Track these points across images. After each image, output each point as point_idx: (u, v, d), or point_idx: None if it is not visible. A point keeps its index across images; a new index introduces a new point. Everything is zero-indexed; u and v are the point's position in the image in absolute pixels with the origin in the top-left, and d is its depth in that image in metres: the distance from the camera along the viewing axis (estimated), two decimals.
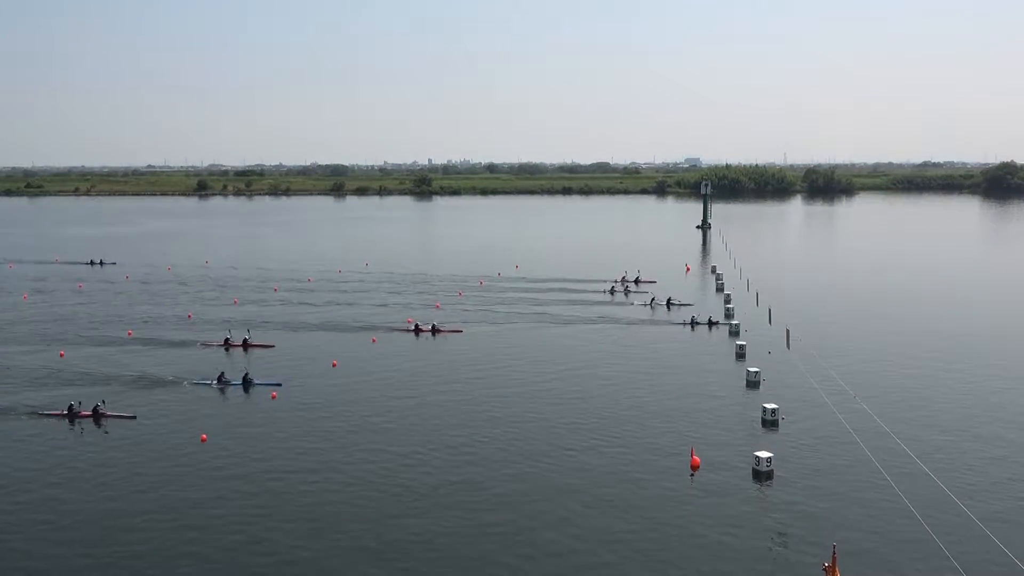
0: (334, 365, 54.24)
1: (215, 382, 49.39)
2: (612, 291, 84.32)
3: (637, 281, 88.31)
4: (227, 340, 60.30)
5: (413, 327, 64.90)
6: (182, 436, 40.49)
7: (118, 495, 33.66)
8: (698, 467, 35.49)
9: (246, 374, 49.66)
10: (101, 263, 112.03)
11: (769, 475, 34.63)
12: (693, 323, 67.11)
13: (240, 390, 48.64)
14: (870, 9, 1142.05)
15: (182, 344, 61.18)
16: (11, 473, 36.12)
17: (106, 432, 41.61)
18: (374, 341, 61.90)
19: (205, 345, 60.55)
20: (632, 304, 77.55)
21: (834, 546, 26.90)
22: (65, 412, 43.36)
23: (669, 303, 75.69)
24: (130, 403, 45.62)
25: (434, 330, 63.97)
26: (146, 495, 33.58)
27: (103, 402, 43.94)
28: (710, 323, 66.75)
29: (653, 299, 77.47)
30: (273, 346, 59.83)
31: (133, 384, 49.90)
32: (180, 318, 72.05)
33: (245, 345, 59.60)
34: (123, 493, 33.84)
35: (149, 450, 38.73)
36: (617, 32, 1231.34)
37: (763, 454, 35.29)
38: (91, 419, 42.98)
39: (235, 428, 41.98)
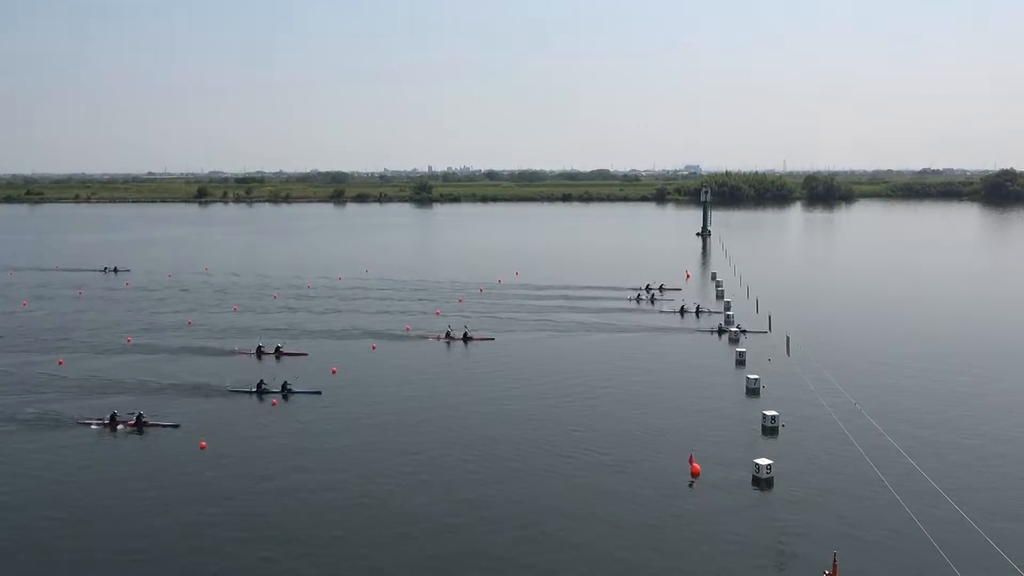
0: (334, 372, 54.13)
1: (254, 390, 49.06)
2: (638, 299, 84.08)
3: (662, 288, 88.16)
4: (259, 348, 59.88)
5: (445, 335, 64.26)
6: (226, 445, 40.15)
7: (167, 504, 33.37)
8: (698, 474, 35.43)
9: (285, 382, 49.25)
10: (116, 270, 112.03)
11: (769, 482, 34.56)
12: (720, 331, 66.48)
13: (280, 398, 48.29)
14: (870, 17, 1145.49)
15: (215, 352, 60.65)
16: (58, 482, 35.80)
17: (149, 441, 41.19)
18: (374, 348, 61.78)
19: (237, 353, 60.07)
20: (661, 312, 76.80)
21: (835, 554, 26.86)
22: (107, 421, 42.90)
23: (699, 311, 75.44)
24: (168, 411, 45.20)
25: (466, 338, 63.71)
26: (193, 503, 33.39)
27: (142, 411, 43.58)
28: (739, 331, 65.81)
29: (683, 306, 77.10)
30: (306, 354, 59.25)
31: (174, 392, 49.44)
32: (180, 324, 71.98)
33: (278, 353, 59.20)
34: (172, 502, 33.54)
35: (193, 459, 38.41)
36: (616, 40, 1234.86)
37: (763, 461, 35.22)
38: (134, 428, 42.49)
39: (280, 437, 41.62)
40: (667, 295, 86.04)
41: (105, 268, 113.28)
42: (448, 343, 63.31)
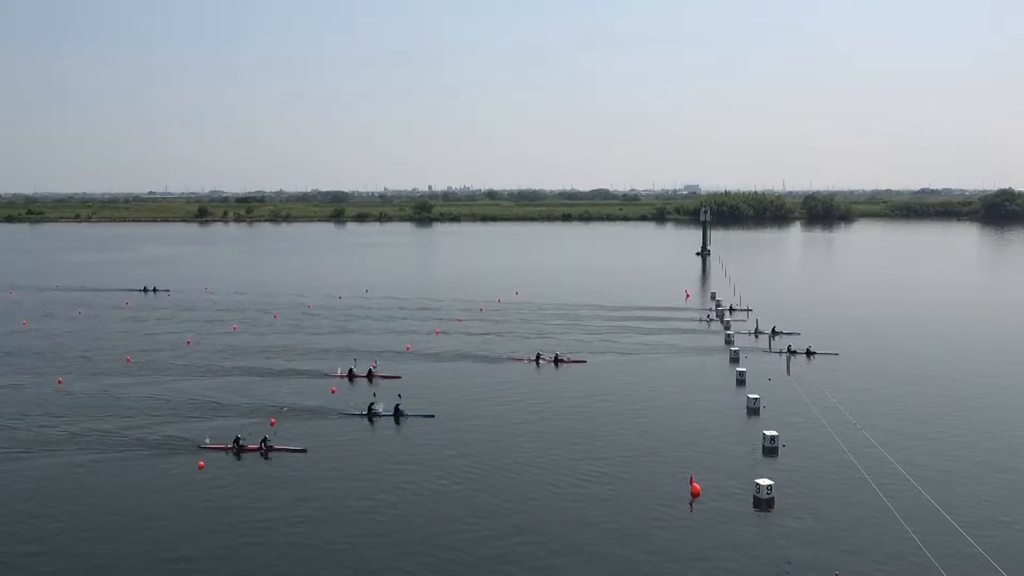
0: (332, 391, 54.00)
1: (365, 413, 48.34)
2: (708, 320, 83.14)
3: (731, 309, 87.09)
4: (351, 371, 59.09)
5: (536, 357, 63.50)
6: (358, 469, 39.49)
7: (302, 529, 32.75)
8: (698, 495, 35.31)
9: (397, 405, 48.50)
10: (155, 290, 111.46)
11: (770, 503, 34.44)
12: (790, 352, 65.02)
13: (391, 421, 47.51)
14: (869, 37, 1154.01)
15: (306, 375, 59.59)
16: (186, 509, 34.90)
17: (278, 466, 40.15)
18: (374, 366, 61.43)
19: (329, 375, 59.01)
20: (735, 332, 74.28)
21: (836, 574, 26.69)
22: (231, 446, 42.19)
23: (774, 332, 73.59)
24: (276, 433, 44.12)
25: (556, 361, 63.04)
26: (328, 528, 32.87)
27: (266, 435, 42.70)
28: (808, 352, 64.92)
29: (757, 327, 75.87)
30: (399, 377, 58.25)
31: (271, 414, 48.49)
32: (179, 344, 72.03)
33: (370, 376, 58.32)
34: (306, 528, 32.91)
35: (326, 484, 37.56)
36: (616, 59, 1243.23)
37: (764, 482, 35.11)
38: (259, 452, 41.69)
39: (412, 460, 40.70)
40: (736, 316, 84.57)
41: (144, 288, 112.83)
42: (538, 365, 62.83)
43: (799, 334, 72.01)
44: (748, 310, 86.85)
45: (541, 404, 51.41)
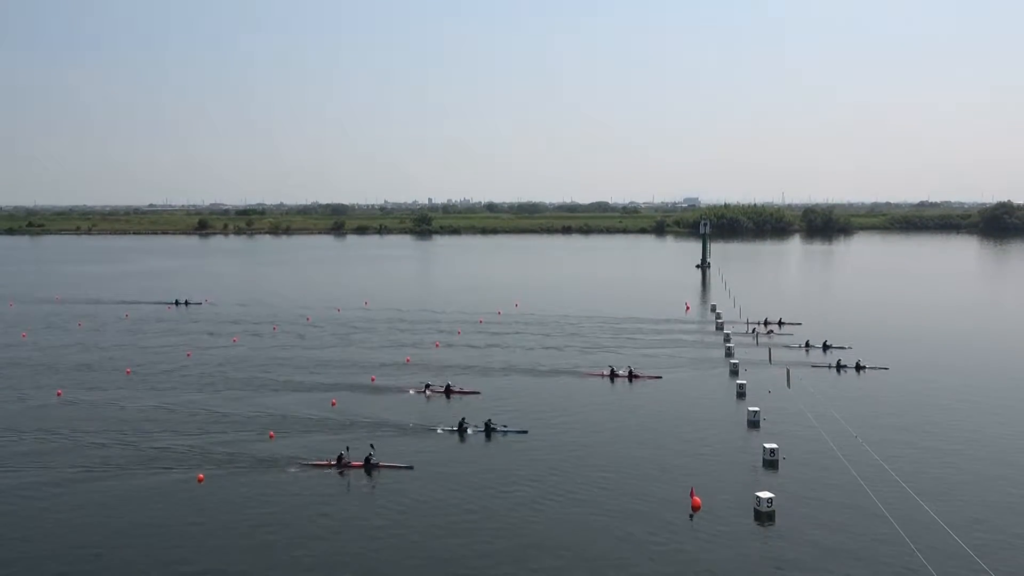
0: (333, 404, 53.98)
1: (455, 429, 47.76)
2: (754, 333, 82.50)
3: (780, 323, 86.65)
4: (428, 386, 58.43)
5: (610, 372, 62.95)
6: (473, 485, 38.80)
7: (413, 550, 32.18)
8: (699, 508, 35.26)
9: (488, 421, 48.43)
10: (187, 303, 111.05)
11: (771, 515, 34.40)
12: (839, 366, 64.93)
13: (483, 437, 46.88)
14: (869, 50, 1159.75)
15: (388, 391, 58.49)
16: (290, 526, 34.42)
17: (386, 482, 39.62)
18: (372, 379, 61.50)
19: (406, 391, 58.24)
20: (785, 347, 73.94)
21: None
22: (334, 462, 41.69)
23: (826, 346, 73.34)
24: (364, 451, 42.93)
25: (631, 376, 62.50)
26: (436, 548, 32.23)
27: (371, 452, 42.08)
28: (858, 367, 64.63)
29: (808, 341, 75.32)
30: (479, 393, 57.35)
31: (358, 430, 47.75)
32: (179, 357, 72.02)
33: (448, 392, 57.50)
34: (413, 547, 32.38)
35: (447, 501, 36.96)
36: (615, 72, 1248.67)
37: (764, 494, 35.10)
38: (362, 469, 40.99)
39: (513, 476, 39.99)
40: (785, 329, 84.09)
41: (176, 301, 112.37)
42: (612, 380, 62.17)
43: (850, 347, 71.68)
44: (798, 324, 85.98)
45: (615, 418, 51.06)
